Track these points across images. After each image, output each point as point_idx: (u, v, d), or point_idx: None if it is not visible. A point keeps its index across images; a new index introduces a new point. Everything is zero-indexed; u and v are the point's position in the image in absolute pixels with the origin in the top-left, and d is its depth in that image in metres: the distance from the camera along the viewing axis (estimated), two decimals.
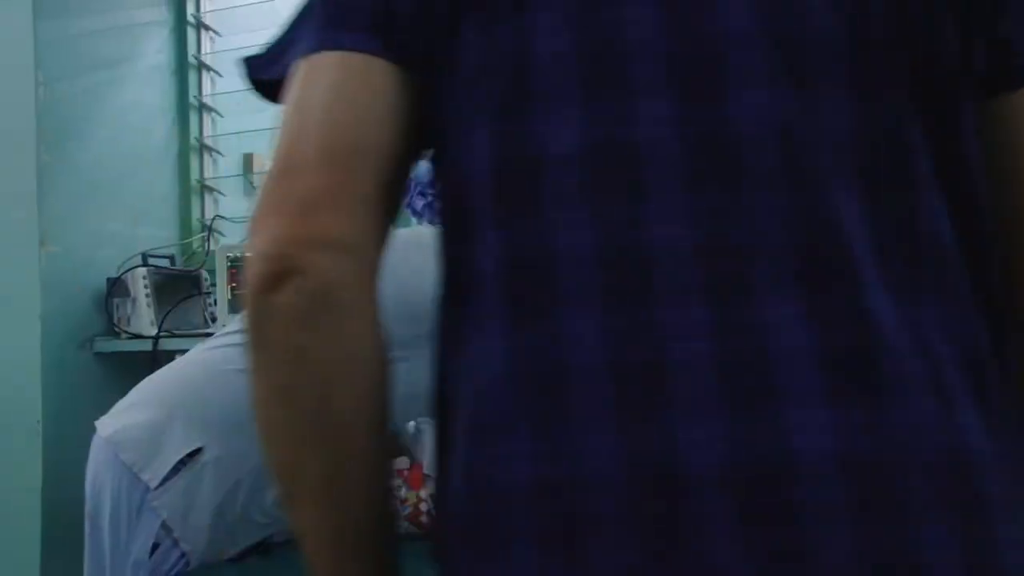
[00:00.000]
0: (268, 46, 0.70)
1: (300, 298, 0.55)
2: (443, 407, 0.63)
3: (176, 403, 1.41)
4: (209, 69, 2.83)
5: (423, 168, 1.60)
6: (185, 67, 2.78)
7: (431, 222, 1.61)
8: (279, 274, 0.55)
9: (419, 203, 1.59)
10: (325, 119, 0.59)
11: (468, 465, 0.57)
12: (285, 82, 0.63)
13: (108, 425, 1.44)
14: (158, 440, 1.36)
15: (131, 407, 1.47)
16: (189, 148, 2.79)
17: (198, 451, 1.34)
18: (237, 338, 1.45)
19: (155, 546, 1.34)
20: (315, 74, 0.60)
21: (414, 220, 1.67)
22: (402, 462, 1.50)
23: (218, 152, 2.85)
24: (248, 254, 0.57)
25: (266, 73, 0.66)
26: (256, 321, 0.57)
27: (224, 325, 2.23)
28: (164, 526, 1.34)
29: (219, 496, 1.35)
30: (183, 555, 1.34)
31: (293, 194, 0.57)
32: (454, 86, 0.61)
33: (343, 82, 0.60)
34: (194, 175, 2.81)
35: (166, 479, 1.34)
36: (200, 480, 1.34)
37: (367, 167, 0.58)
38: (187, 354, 1.51)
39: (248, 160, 2.98)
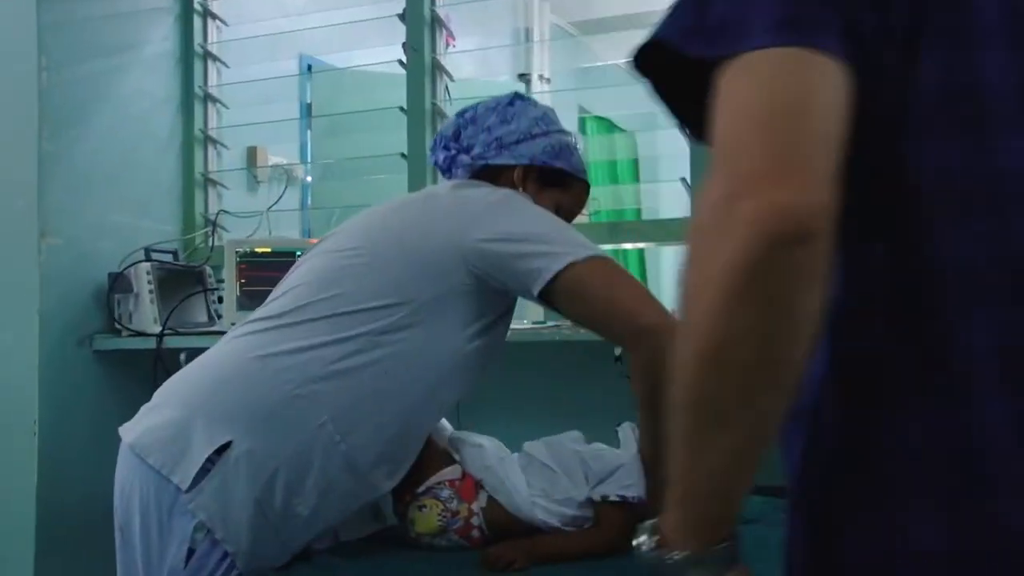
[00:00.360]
0: (687, 24, 0.72)
1: (816, 258, 0.61)
2: (867, 382, 0.70)
3: (197, 400, 1.32)
4: (215, 59, 2.74)
5: (447, 123, 1.55)
6: (191, 56, 2.69)
7: (452, 175, 1.56)
8: (807, 234, 0.60)
9: (441, 156, 1.55)
10: (817, 106, 0.65)
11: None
12: (722, 60, 0.67)
13: (130, 431, 1.35)
14: (183, 439, 1.28)
15: (151, 410, 1.38)
16: (193, 139, 2.70)
17: (227, 446, 1.26)
18: (261, 324, 1.36)
19: (190, 553, 1.25)
20: (797, 65, 0.65)
21: (439, 173, 1.62)
22: (452, 471, 1.41)
23: (222, 144, 2.76)
24: (744, 203, 0.61)
25: (697, 49, 0.69)
26: (763, 270, 0.61)
27: (233, 324, 2.14)
28: (199, 528, 1.25)
29: (256, 490, 1.26)
30: (225, 556, 1.25)
31: (809, 165, 0.62)
32: (906, 99, 0.69)
33: (822, 76, 0.65)
34: (198, 167, 2.72)
35: (197, 479, 1.25)
36: (234, 476, 1.25)
37: (838, 154, 0.65)
38: (212, 347, 1.43)
39: (252, 153, 2.90)
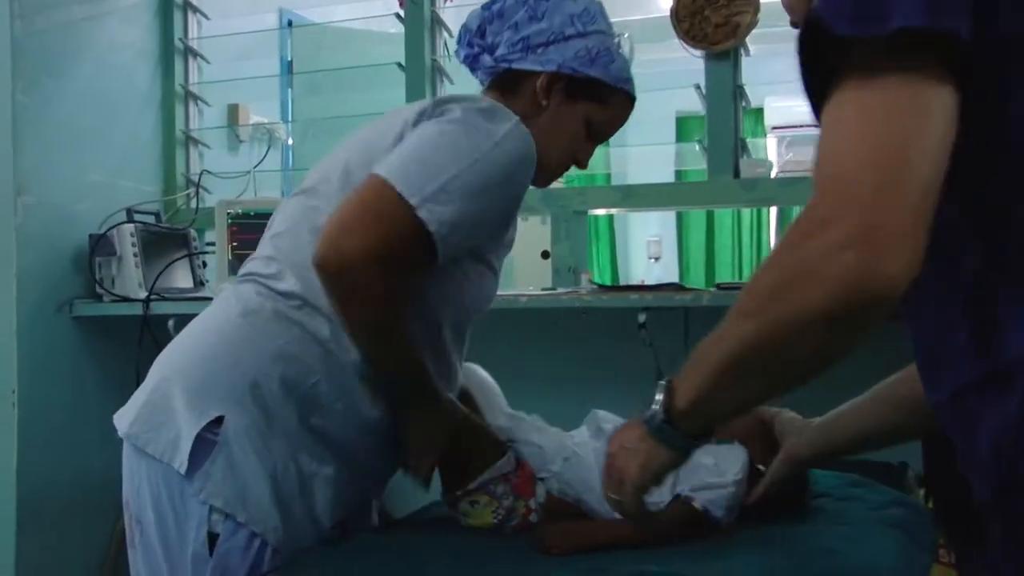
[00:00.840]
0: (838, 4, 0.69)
1: (885, 313, 0.67)
2: None
3: (184, 374, 1.21)
4: (195, 9, 2.60)
5: (472, 15, 1.41)
6: (170, 6, 2.55)
7: (478, 77, 1.39)
8: (894, 298, 0.66)
9: (463, 53, 1.38)
10: (933, 151, 0.66)
11: None
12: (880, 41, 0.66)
13: (123, 418, 1.24)
14: (173, 424, 1.17)
15: (141, 392, 1.26)
16: (173, 95, 2.56)
17: (219, 422, 1.15)
18: (249, 283, 1.25)
19: (212, 537, 1.15)
20: (915, 99, 0.66)
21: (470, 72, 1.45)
22: (506, 463, 1.28)
23: (203, 101, 2.63)
24: (851, 256, 0.65)
25: (856, 28, 0.67)
26: (844, 317, 0.68)
27: (223, 289, 2.03)
28: (216, 511, 1.15)
29: (268, 463, 1.16)
30: (253, 536, 1.16)
31: (919, 227, 0.65)
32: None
33: (939, 108, 0.66)
34: (179, 125, 2.58)
35: (199, 461, 1.14)
36: (240, 452, 1.14)
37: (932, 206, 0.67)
38: (201, 312, 1.31)
39: (233, 111, 2.77)
